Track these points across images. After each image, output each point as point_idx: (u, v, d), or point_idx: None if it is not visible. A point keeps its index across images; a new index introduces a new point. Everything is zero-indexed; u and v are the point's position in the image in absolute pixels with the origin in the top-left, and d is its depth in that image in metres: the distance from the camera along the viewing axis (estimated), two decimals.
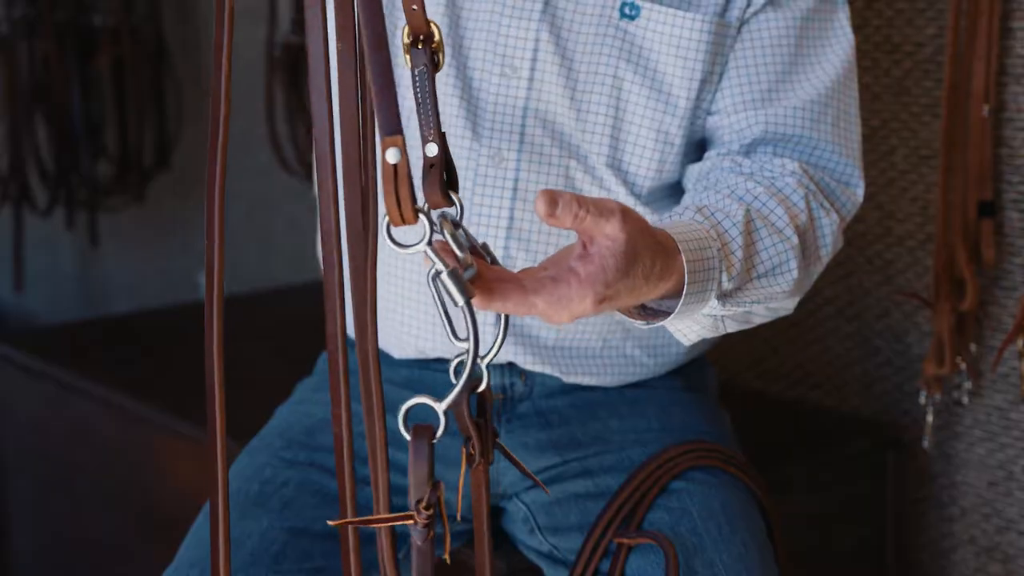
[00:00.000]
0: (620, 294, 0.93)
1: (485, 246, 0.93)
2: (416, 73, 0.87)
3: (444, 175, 0.88)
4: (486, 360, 0.91)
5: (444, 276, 0.81)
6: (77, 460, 2.04)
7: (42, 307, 3.61)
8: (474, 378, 0.91)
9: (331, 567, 1.21)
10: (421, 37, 0.87)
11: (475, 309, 0.87)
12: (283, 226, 2.88)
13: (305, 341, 1.70)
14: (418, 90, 0.87)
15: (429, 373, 1.32)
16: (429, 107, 0.87)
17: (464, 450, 0.91)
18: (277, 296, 2.55)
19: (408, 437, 0.84)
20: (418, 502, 0.82)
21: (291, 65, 2.60)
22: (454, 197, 0.90)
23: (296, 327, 2.02)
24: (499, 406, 1.30)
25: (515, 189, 1.22)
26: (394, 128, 0.77)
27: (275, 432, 1.33)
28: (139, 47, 2.97)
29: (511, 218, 1.22)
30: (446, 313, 0.83)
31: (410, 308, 1.28)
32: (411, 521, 0.83)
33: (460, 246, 0.86)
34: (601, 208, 0.90)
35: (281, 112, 2.64)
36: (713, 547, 1.16)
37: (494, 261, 0.92)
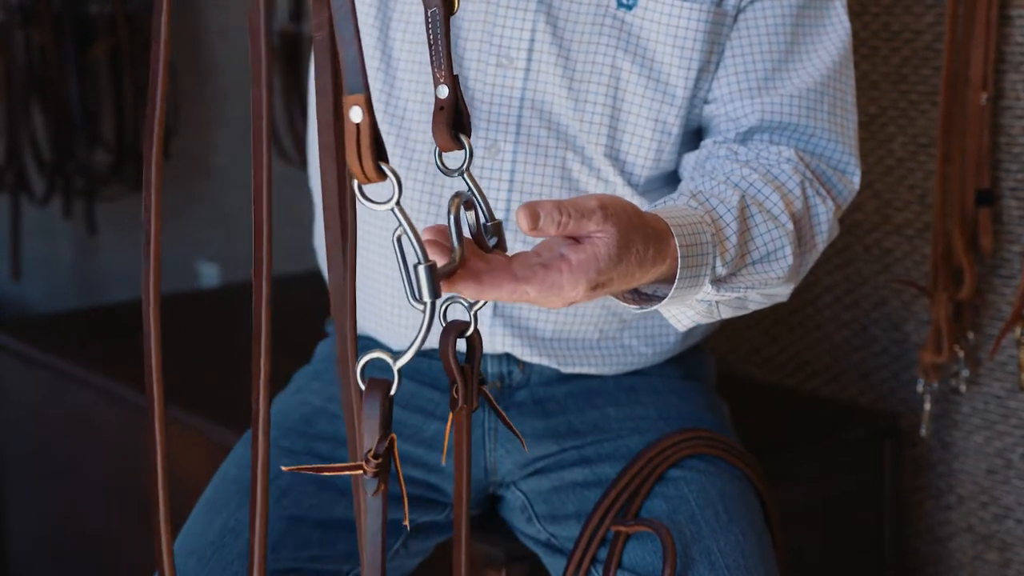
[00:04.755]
0: (613, 280, 0.93)
1: (498, 225, 0.92)
2: (429, 14, 0.88)
3: (453, 117, 0.88)
4: (475, 307, 0.90)
5: (419, 269, 0.80)
6: (75, 449, 2.04)
7: (39, 296, 3.61)
8: (460, 326, 0.90)
9: (328, 555, 1.22)
10: None
11: (470, 299, 0.87)
12: (281, 215, 2.87)
13: (303, 331, 1.70)
14: (430, 31, 0.87)
15: (426, 362, 1.32)
16: (441, 49, 0.87)
17: (450, 394, 0.91)
18: (275, 285, 2.55)
19: (363, 387, 0.83)
20: (367, 452, 0.82)
21: (289, 53, 2.60)
22: (463, 140, 0.90)
23: (294, 316, 2.02)
24: (496, 394, 1.30)
25: (511, 181, 1.22)
26: (358, 85, 0.77)
27: (273, 421, 1.34)
28: (136, 35, 2.96)
29: (507, 210, 1.22)
30: (407, 273, 0.82)
31: (407, 303, 1.29)
32: (360, 471, 0.82)
33: (460, 233, 0.86)
34: (581, 209, 0.90)
35: (279, 101, 2.64)
36: (711, 535, 1.16)
37: (501, 242, 0.92)
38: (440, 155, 0.91)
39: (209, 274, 3.11)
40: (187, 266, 3.17)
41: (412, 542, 1.28)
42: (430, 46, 0.88)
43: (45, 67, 2.94)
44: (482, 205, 0.92)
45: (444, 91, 0.88)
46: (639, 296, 1.05)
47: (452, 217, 0.86)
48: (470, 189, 0.91)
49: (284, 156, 2.67)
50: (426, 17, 0.88)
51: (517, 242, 1.23)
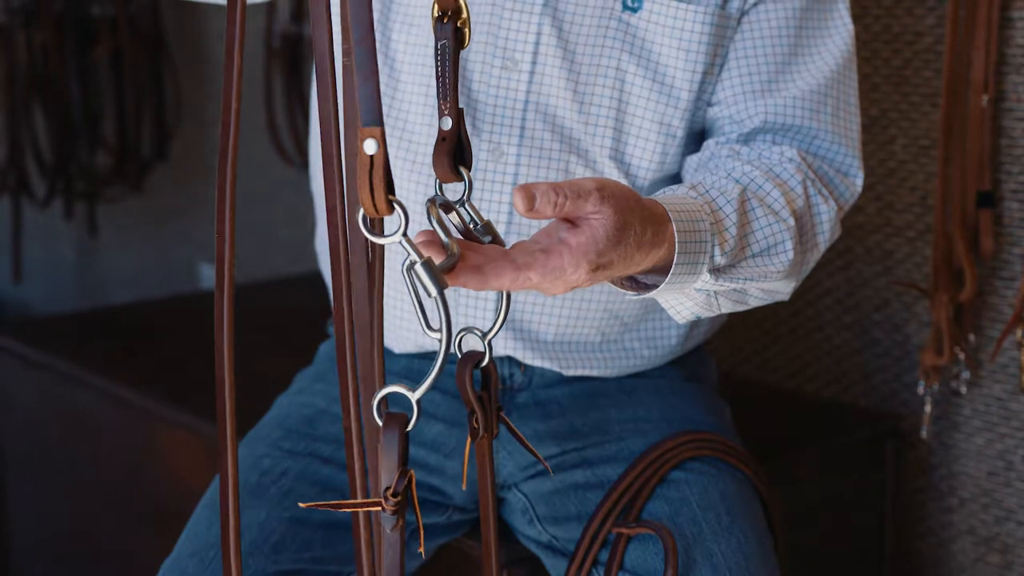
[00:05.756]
0: (614, 263, 0.93)
1: (489, 224, 0.93)
2: (439, 47, 0.88)
3: (455, 150, 0.89)
4: (489, 336, 0.91)
5: (417, 267, 0.81)
6: (76, 450, 2.04)
7: (40, 297, 3.61)
8: (476, 357, 0.90)
9: (330, 556, 1.22)
10: (448, 12, 0.88)
11: (474, 292, 0.87)
12: (282, 217, 2.88)
13: (304, 331, 1.70)
14: (438, 63, 0.88)
15: (428, 364, 1.32)
16: (448, 82, 0.88)
17: (469, 424, 0.92)
18: (276, 287, 2.55)
19: (380, 423, 0.84)
20: (386, 490, 0.82)
21: (290, 56, 2.60)
22: (463, 172, 0.90)
23: (295, 318, 2.02)
24: (497, 396, 1.30)
25: (515, 184, 1.22)
26: (374, 119, 0.77)
27: (274, 422, 1.34)
28: (137, 37, 2.96)
29: (511, 213, 1.22)
30: (420, 304, 0.83)
31: (408, 305, 1.29)
32: (378, 508, 0.83)
33: (447, 232, 0.87)
34: (578, 189, 0.90)
35: (280, 102, 2.64)
36: (712, 537, 1.16)
37: (496, 239, 0.92)
38: (441, 185, 0.92)
39: (210, 275, 3.10)
40: (188, 267, 3.17)
41: (413, 544, 1.28)
42: (437, 78, 0.89)
43: (47, 69, 2.94)
44: (472, 211, 0.92)
45: (448, 123, 0.89)
46: (637, 284, 1.05)
47: (434, 221, 0.86)
48: (472, 217, 0.92)
49: (286, 158, 2.67)
50: (435, 49, 0.89)
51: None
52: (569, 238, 0.90)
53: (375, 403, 0.83)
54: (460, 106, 0.92)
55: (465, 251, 0.88)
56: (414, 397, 0.83)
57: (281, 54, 2.59)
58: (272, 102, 2.63)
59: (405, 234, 0.80)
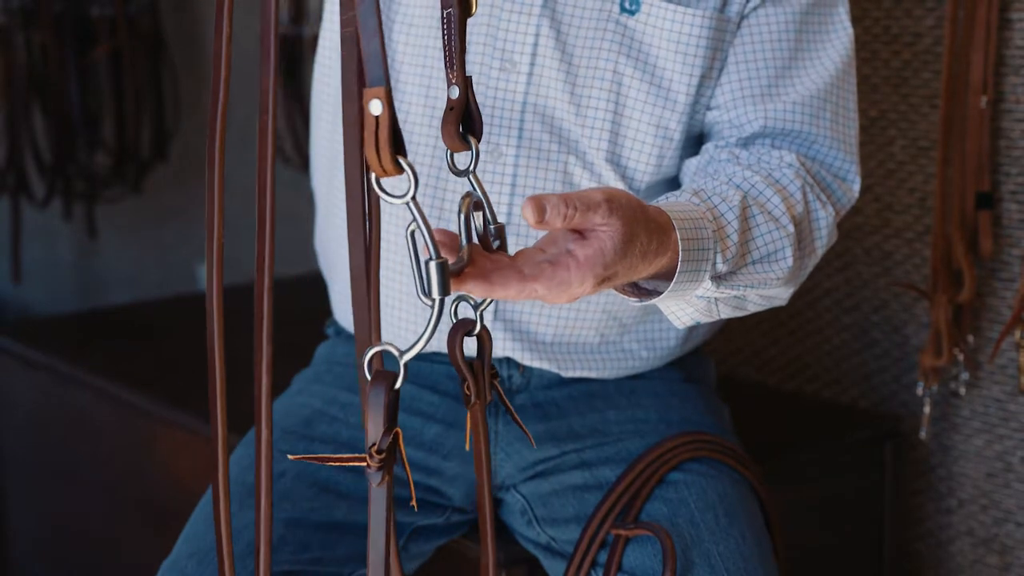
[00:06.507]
0: (619, 274, 0.93)
1: (501, 228, 0.93)
2: (445, 15, 0.88)
3: (464, 119, 0.89)
4: (482, 307, 0.91)
5: (431, 265, 0.81)
6: (75, 451, 2.04)
7: (40, 298, 3.61)
8: (468, 325, 0.90)
9: (328, 557, 1.22)
10: None
11: (475, 297, 0.87)
12: (281, 217, 2.88)
13: (303, 333, 1.70)
14: (445, 32, 0.88)
15: (428, 365, 1.32)
16: (455, 50, 0.88)
17: (462, 392, 0.92)
18: (275, 287, 2.55)
19: (368, 379, 0.83)
20: (371, 446, 0.82)
21: (289, 56, 2.60)
22: (471, 141, 0.90)
23: (294, 319, 2.02)
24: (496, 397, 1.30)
25: (513, 185, 1.22)
26: (379, 78, 0.77)
27: (273, 423, 1.34)
28: (137, 38, 2.96)
29: (509, 214, 1.22)
30: (418, 268, 0.83)
31: (407, 305, 1.29)
32: (364, 463, 0.83)
33: (469, 234, 0.86)
34: (587, 202, 0.90)
35: (280, 104, 2.64)
36: (710, 538, 1.17)
37: (503, 244, 0.92)
38: (451, 155, 0.91)
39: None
40: (185, 268, 3.17)
41: (412, 545, 1.28)
42: (444, 47, 0.88)
43: (46, 69, 2.93)
44: (487, 207, 0.92)
45: (455, 92, 0.88)
46: (639, 290, 1.05)
47: (463, 216, 0.86)
48: (474, 189, 0.92)
49: (284, 158, 2.67)
50: (442, 17, 0.88)
51: (518, 247, 1.23)
52: (577, 250, 0.90)
53: (365, 361, 0.83)
54: (468, 74, 0.91)
55: (475, 256, 0.88)
56: (402, 360, 0.82)
57: (280, 54, 2.59)
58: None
59: (414, 198, 0.79)
